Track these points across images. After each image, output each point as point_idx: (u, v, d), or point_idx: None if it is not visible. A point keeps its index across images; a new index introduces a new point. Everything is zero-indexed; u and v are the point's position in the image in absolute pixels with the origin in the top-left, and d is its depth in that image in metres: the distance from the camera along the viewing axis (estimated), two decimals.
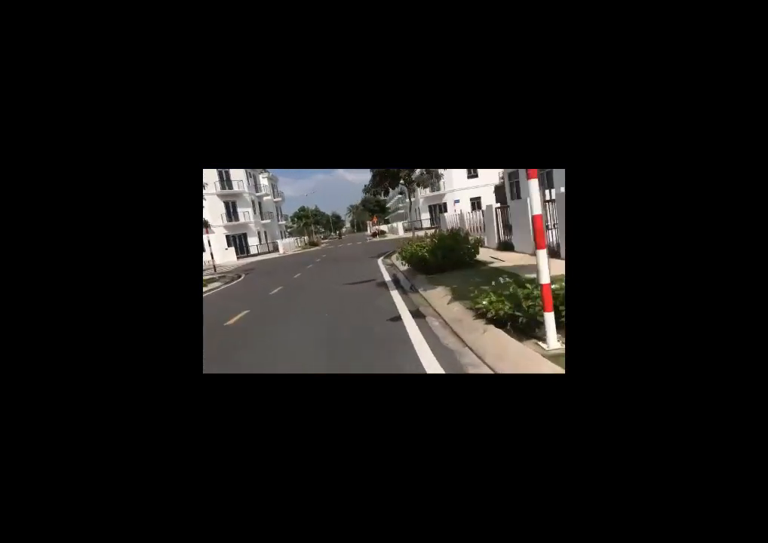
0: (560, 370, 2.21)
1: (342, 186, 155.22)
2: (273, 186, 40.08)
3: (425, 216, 33.00)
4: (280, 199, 41.46)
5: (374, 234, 36.93)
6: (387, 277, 8.30)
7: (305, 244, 36.07)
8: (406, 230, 33.15)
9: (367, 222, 74.57)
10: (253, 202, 32.39)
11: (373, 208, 43.74)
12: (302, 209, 37.75)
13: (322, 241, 44.40)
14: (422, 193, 32.43)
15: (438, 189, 31.53)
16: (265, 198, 36.69)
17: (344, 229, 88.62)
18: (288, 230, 44.60)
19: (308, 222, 37.56)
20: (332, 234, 77.33)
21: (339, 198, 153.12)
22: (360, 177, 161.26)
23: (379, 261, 12.37)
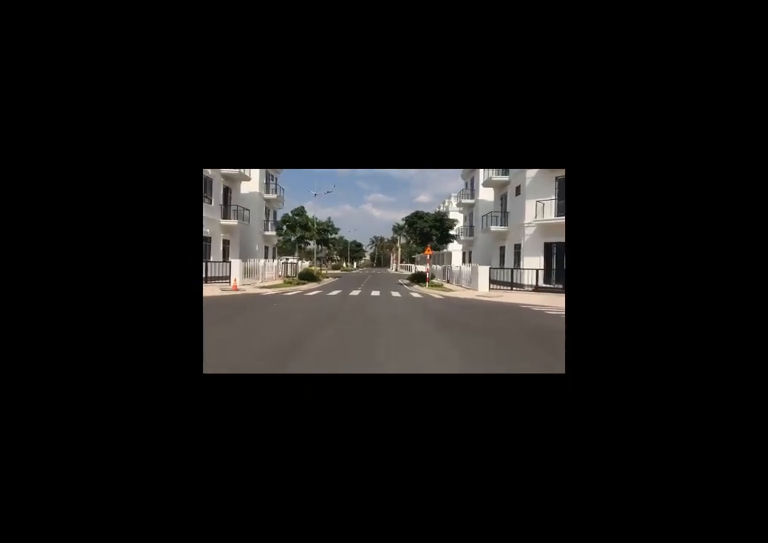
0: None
1: (366, 220, 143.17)
2: (269, 175, 24.76)
3: (532, 261, 16.42)
4: (276, 196, 24.94)
5: (414, 279, 20.36)
6: None
7: (290, 278, 18.45)
8: (494, 283, 16.41)
9: (391, 256, 59.03)
10: (209, 183, 17.06)
11: (428, 231, 20.86)
12: (299, 211, 20.35)
13: (327, 273, 28.35)
14: (531, 216, 16.37)
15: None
16: (244, 186, 21.43)
17: (362, 261, 74.00)
18: (278, 245, 26.52)
19: (304, 235, 19.90)
20: (348, 264, 61.83)
21: (360, 231, 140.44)
22: (386, 214, 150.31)
23: None
